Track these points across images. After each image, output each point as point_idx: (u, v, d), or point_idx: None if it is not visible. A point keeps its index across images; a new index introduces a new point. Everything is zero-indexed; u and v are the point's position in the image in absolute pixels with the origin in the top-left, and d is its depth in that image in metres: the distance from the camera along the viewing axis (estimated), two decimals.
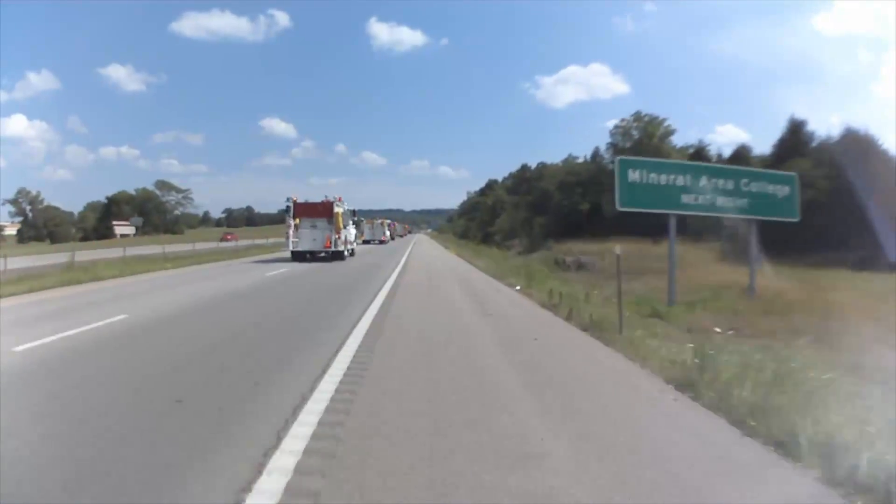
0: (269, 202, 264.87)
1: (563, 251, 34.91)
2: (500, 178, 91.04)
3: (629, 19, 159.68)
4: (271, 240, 60.25)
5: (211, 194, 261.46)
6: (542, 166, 57.76)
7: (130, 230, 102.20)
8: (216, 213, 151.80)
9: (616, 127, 49.61)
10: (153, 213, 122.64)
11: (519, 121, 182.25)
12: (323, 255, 24.06)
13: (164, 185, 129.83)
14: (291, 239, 23.64)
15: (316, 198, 24.58)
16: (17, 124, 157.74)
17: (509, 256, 34.43)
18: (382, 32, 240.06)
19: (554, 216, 44.01)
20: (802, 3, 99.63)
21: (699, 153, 49.66)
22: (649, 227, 42.99)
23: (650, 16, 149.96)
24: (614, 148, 49.11)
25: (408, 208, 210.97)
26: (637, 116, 49.25)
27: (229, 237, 57.39)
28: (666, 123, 49.18)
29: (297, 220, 23.73)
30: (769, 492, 2.99)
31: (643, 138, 48.56)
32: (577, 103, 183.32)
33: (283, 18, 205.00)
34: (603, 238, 43.13)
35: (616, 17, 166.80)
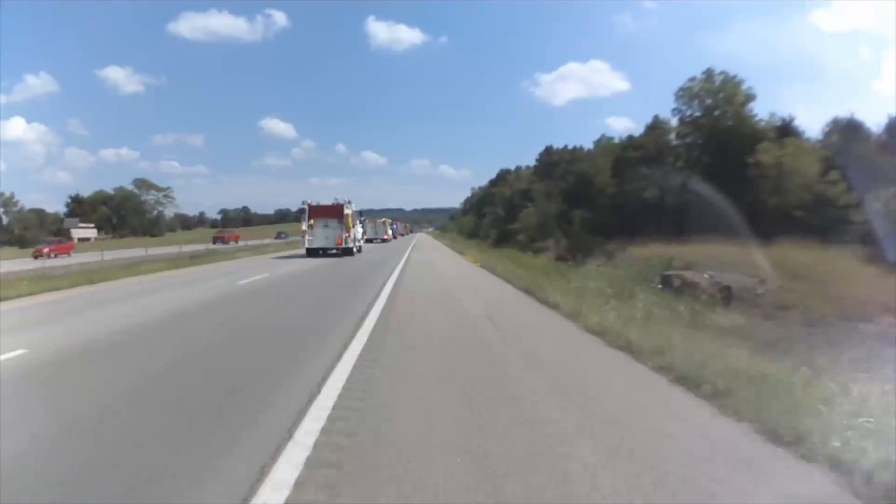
0: (269, 203, 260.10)
1: (647, 259, 22.98)
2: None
3: (629, 16, 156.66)
4: (206, 246, 43.85)
5: (212, 195, 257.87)
6: (574, 148, 45.84)
7: (91, 233, 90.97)
8: (213, 214, 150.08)
9: (681, 90, 37.45)
10: (131, 213, 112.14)
11: (519, 119, 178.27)
12: (334, 251, 25.88)
13: (142, 184, 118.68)
14: (307, 237, 26.03)
15: (326, 200, 26.78)
16: (16, 127, 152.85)
17: (555, 266, 22.35)
18: (381, 31, 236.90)
19: (605, 208, 32.22)
20: (800, 1, 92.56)
21: (786, 129, 37.67)
22: (722, 221, 30.91)
23: (650, 13, 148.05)
24: (680, 117, 37.19)
25: (408, 208, 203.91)
26: (709, 74, 37.15)
27: (48, 249, 34.73)
28: (746, 86, 37.03)
29: (312, 221, 25.83)
30: None
31: (719, 103, 36.52)
32: (577, 100, 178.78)
33: (280, 18, 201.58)
34: (675, 236, 31.21)
35: (615, 13, 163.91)
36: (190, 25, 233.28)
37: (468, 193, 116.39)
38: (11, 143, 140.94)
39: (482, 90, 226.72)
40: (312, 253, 25.50)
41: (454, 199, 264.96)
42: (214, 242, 48.01)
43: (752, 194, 32.62)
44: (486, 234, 55.78)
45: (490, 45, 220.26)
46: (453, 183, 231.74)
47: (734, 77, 38.10)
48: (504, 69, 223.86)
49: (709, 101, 37.48)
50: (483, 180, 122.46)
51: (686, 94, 37.60)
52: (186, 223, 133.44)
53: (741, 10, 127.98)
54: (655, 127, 36.74)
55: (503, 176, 67.27)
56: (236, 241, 51.77)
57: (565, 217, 35.96)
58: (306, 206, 26.26)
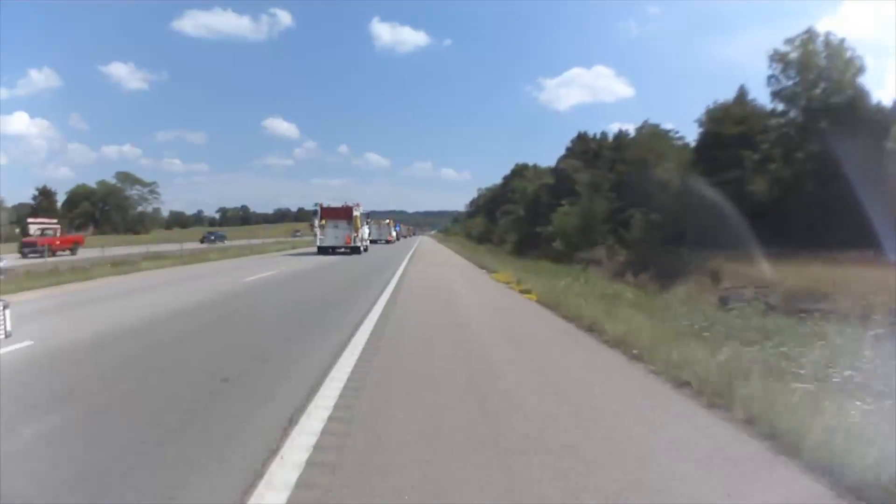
0: (270, 203, 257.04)
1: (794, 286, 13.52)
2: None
3: (633, 22, 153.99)
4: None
5: (213, 194, 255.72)
6: (620, 133, 36.50)
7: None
8: (212, 213, 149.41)
9: (776, 54, 28.08)
10: (114, 209, 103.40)
11: (522, 123, 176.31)
12: (343, 250, 27.44)
13: (126, 178, 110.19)
14: (319, 236, 27.88)
15: (337, 203, 28.39)
16: (19, 122, 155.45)
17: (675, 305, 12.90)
18: (385, 32, 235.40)
19: (668, 207, 22.71)
20: (806, 7, 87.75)
21: None
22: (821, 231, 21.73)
23: (654, 18, 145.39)
24: (775, 90, 27.55)
25: (410, 210, 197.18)
26: (809, 36, 27.68)
27: None
28: (854, 54, 27.46)
29: (324, 221, 27.69)
30: None
31: (823, 73, 27.17)
32: (581, 106, 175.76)
33: (285, 17, 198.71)
34: (781, 248, 21.26)
35: (620, 19, 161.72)
36: (194, 23, 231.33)
37: (470, 197, 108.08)
38: (14, 137, 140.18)
39: (486, 94, 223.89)
40: (323, 250, 26.97)
41: (456, 202, 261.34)
42: (24, 254, 24.63)
43: (886, 193, 23.44)
44: (502, 239, 46.41)
45: (494, 49, 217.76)
46: (455, 186, 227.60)
47: (842, 41, 28.85)
48: (508, 73, 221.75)
49: (809, 71, 28.31)
50: (486, 184, 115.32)
51: (782, 60, 28.28)
52: (183, 221, 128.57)
53: (746, 16, 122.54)
54: (743, 99, 27.28)
55: (519, 171, 57.95)
56: (71, 251, 27.88)
57: (620, 219, 26.57)
58: (319, 208, 28.04)
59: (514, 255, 32.53)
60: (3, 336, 3.79)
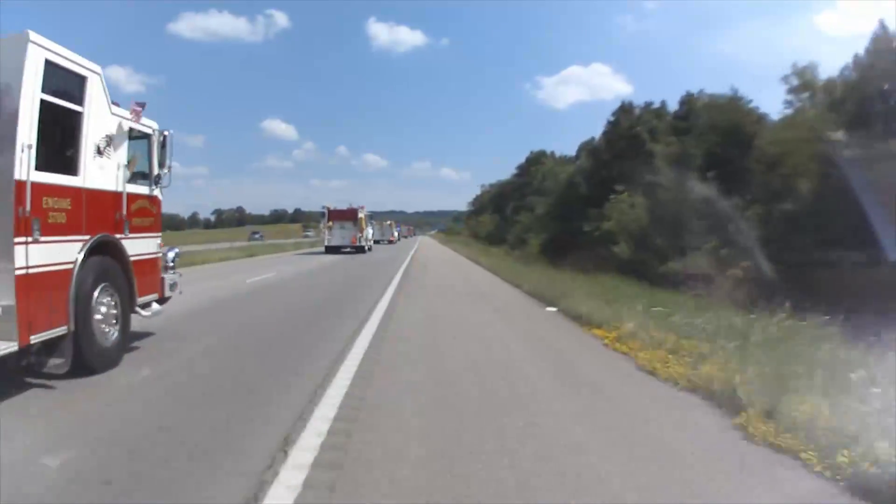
0: (268, 204, 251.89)
1: None
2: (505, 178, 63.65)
3: (630, 19, 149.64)
4: None
5: (211, 196, 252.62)
6: (689, 97, 27.77)
7: None
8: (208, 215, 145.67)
9: None
10: None
11: (520, 122, 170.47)
12: (349, 249, 29.46)
13: None
14: (326, 236, 30.43)
15: (342, 205, 30.86)
16: None
17: None
18: (382, 33, 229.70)
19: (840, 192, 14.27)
20: (805, 1, 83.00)
21: None
22: None
23: (651, 15, 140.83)
24: None
25: (409, 210, 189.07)
26: None
27: None
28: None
29: (331, 223, 30.00)
30: None
31: None
32: (579, 104, 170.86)
33: (281, 18, 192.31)
34: None
35: (617, 16, 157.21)
36: (189, 25, 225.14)
37: (472, 195, 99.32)
38: None
39: (484, 93, 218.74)
40: (331, 250, 29.32)
41: (455, 202, 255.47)
42: None
43: None
44: (521, 240, 37.72)
45: (492, 48, 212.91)
46: (454, 185, 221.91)
47: None
48: (506, 72, 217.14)
49: None
50: (485, 181, 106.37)
51: None
52: (177, 224, 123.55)
53: (744, 10, 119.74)
54: (879, 44, 18.57)
55: (536, 159, 49.31)
56: None
57: (711, 211, 17.90)
58: (326, 210, 30.74)
59: (548, 263, 23.84)
60: (179, 293, 6.48)
